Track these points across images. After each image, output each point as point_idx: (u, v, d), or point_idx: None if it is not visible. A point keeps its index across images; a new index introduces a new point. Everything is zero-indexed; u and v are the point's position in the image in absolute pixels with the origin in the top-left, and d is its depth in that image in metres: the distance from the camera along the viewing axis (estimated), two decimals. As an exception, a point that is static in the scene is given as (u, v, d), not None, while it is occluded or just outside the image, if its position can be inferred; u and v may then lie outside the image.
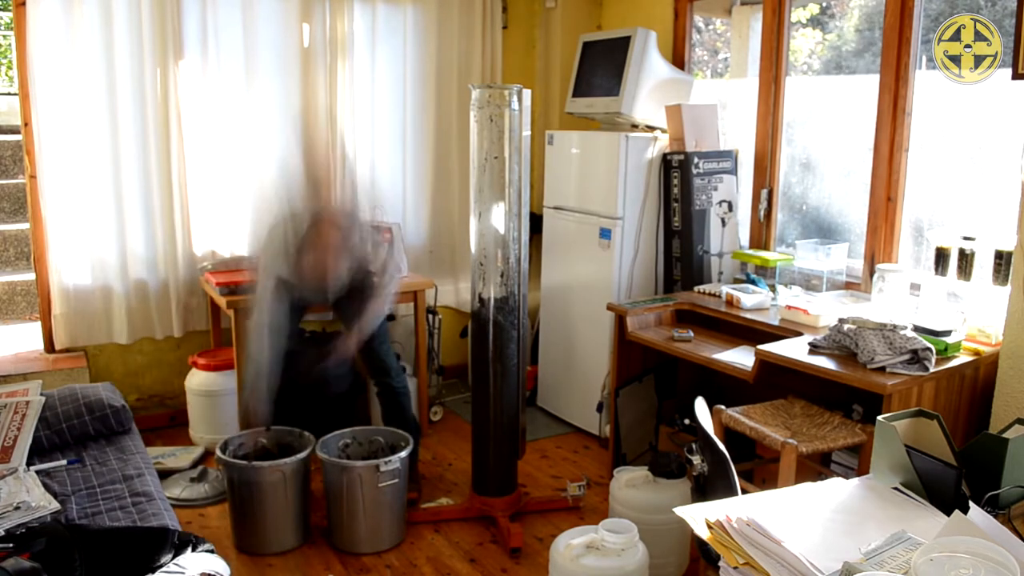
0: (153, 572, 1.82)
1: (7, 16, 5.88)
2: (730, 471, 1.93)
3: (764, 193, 3.64)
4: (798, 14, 3.64)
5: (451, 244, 4.40)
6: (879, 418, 1.69)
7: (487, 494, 3.10)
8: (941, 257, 2.79)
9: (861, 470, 2.50)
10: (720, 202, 3.65)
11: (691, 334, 3.14)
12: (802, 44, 3.72)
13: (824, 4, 3.62)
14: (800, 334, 2.81)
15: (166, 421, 3.94)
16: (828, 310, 2.92)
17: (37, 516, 2.09)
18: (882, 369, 2.42)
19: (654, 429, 3.57)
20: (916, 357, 2.42)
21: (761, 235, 3.70)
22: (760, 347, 2.70)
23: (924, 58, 3.02)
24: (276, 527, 2.85)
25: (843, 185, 3.48)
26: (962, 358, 2.55)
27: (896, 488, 1.66)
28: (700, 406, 2.20)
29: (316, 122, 3.89)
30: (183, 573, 1.81)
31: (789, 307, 3.01)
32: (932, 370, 2.42)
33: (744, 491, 1.88)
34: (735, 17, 3.97)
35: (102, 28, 3.48)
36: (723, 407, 2.62)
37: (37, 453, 2.55)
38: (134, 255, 3.71)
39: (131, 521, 2.18)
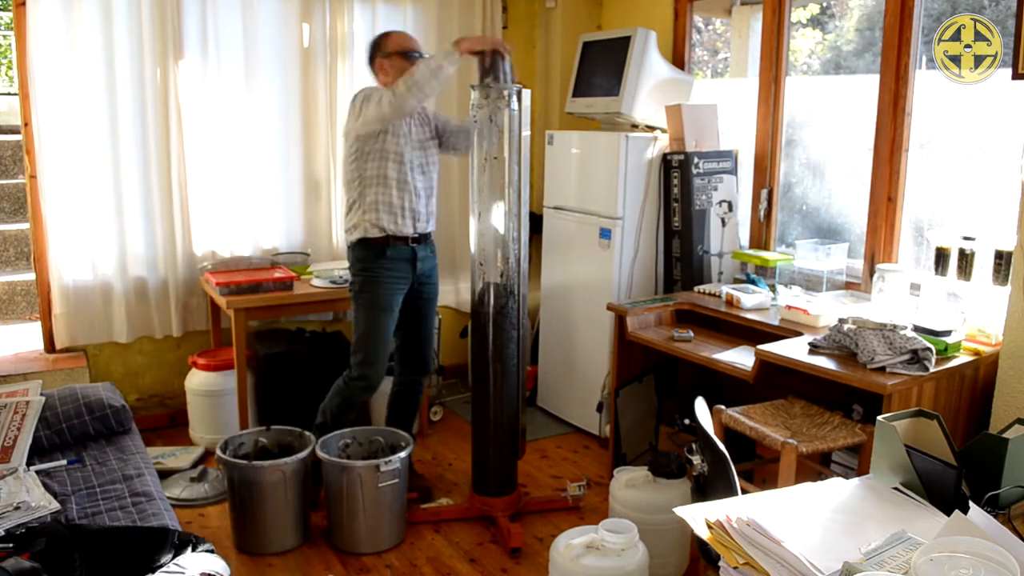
0: (153, 572, 1.82)
1: (7, 16, 5.88)
2: (730, 471, 1.93)
3: (764, 193, 3.64)
4: (798, 14, 3.64)
5: (451, 244, 4.39)
6: (879, 418, 1.69)
7: (487, 494, 3.10)
8: (941, 257, 2.79)
9: (861, 470, 2.50)
10: (720, 202, 3.65)
11: (691, 334, 3.14)
12: (802, 44, 3.72)
13: (824, 4, 3.62)
14: (800, 334, 2.81)
15: (166, 421, 3.94)
16: (828, 310, 2.92)
17: (37, 516, 2.09)
18: (882, 369, 2.42)
19: (654, 429, 3.57)
20: (916, 357, 2.42)
21: (761, 235, 3.70)
22: (760, 347, 2.70)
23: (924, 58, 3.02)
24: (276, 527, 2.85)
25: (843, 185, 3.48)
26: (962, 358, 2.55)
27: (896, 488, 1.66)
28: (700, 406, 2.20)
29: None
30: (183, 573, 1.80)
31: (789, 307, 3.01)
32: (932, 370, 2.42)
33: (744, 491, 1.88)
34: (735, 17, 3.97)
35: (102, 28, 3.48)
36: (723, 407, 2.63)
37: (37, 453, 2.54)
38: (134, 255, 3.71)
39: (131, 521, 2.18)
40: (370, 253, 3.03)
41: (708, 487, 2.13)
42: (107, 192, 3.61)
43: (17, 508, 2.11)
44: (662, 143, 3.70)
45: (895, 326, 2.50)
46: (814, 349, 2.62)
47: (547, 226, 4.09)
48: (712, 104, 3.73)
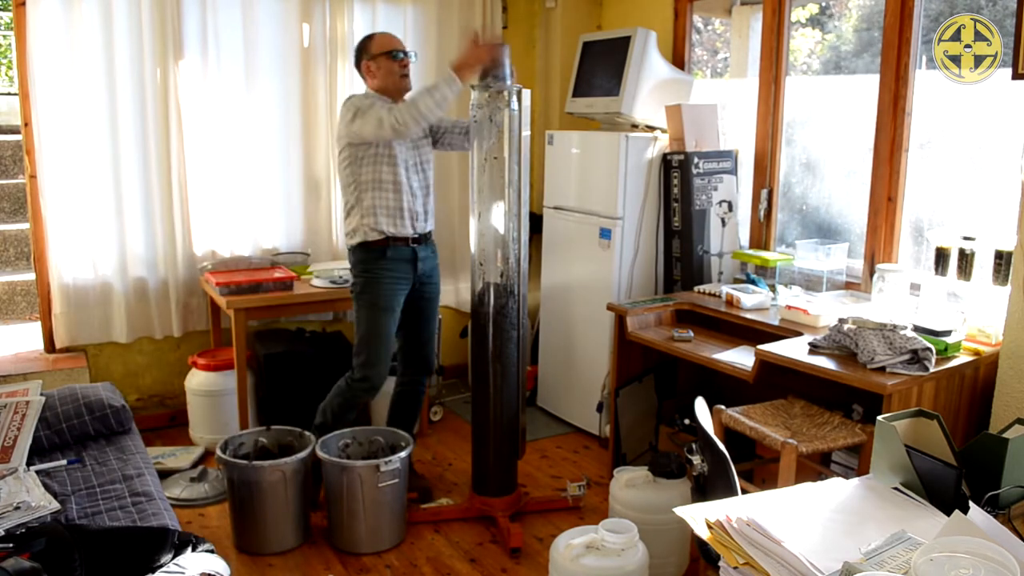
0: (153, 572, 1.82)
1: (7, 16, 5.88)
2: (730, 471, 1.93)
3: (764, 193, 3.64)
4: (798, 14, 3.64)
5: (451, 244, 4.39)
6: (879, 418, 1.69)
7: (487, 494, 3.10)
8: (941, 257, 2.79)
9: (861, 470, 2.50)
10: (720, 202, 3.65)
11: (691, 334, 3.14)
12: (802, 44, 3.72)
13: (824, 4, 3.62)
14: (800, 334, 2.81)
15: (166, 421, 3.94)
16: (828, 310, 2.92)
17: (37, 516, 2.09)
18: (882, 369, 2.42)
19: (654, 429, 3.57)
20: (916, 357, 2.42)
21: (761, 235, 3.70)
22: (760, 347, 2.70)
23: (924, 58, 3.02)
24: (276, 527, 2.85)
25: (843, 185, 3.48)
26: (962, 358, 2.55)
27: (896, 488, 1.65)
28: (700, 406, 2.20)
29: None
30: (183, 573, 1.80)
31: (789, 307, 3.01)
32: (932, 370, 2.42)
33: (744, 491, 1.87)
34: (735, 17, 3.97)
35: (102, 28, 3.48)
36: (723, 407, 2.62)
37: (37, 453, 2.55)
38: (134, 255, 3.71)
39: (131, 521, 2.18)
40: (371, 255, 3.03)
41: (708, 487, 2.12)
42: (107, 192, 3.61)
43: (17, 508, 2.11)
44: (662, 143, 3.70)
45: (895, 326, 2.50)
46: (814, 349, 2.62)
47: (547, 226, 4.10)
48: (712, 104, 3.73)
